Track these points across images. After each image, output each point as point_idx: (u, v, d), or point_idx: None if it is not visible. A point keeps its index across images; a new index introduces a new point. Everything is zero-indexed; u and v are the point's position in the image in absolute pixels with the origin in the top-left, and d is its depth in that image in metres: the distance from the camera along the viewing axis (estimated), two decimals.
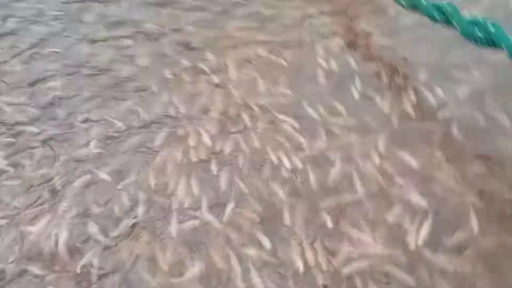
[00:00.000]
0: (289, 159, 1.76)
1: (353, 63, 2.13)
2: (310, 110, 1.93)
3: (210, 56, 2.22)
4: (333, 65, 2.13)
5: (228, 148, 1.81)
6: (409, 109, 1.91)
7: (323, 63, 2.13)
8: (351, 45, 2.24)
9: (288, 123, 1.89)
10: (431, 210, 1.56)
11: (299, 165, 1.74)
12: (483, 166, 1.67)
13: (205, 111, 1.97)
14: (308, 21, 2.40)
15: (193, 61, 2.19)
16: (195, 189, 1.68)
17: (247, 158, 1.78)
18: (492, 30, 1.65)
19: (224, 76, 2.12)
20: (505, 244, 1.46)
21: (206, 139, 1.85)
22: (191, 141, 1.84)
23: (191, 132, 1.88)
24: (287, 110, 1.94)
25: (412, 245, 1.48)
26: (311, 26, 2.38)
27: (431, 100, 1.93)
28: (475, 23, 1.74)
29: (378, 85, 2.04)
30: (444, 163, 1.70)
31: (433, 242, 1.49)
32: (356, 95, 1.99)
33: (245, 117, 1.92)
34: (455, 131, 1.80)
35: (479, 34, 1.71)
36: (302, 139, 1.82)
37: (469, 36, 1.77)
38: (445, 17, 1.89)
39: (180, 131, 1.88)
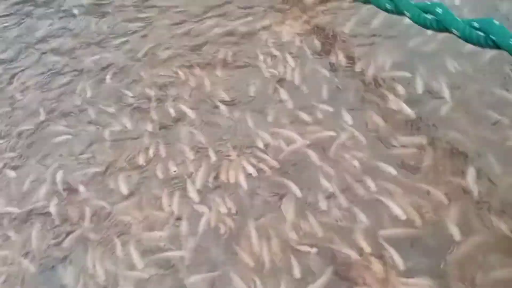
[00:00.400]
0: None
1: None
2: None
3: None
4: None
5: None
6: None
7: None
8: None
9: None
10: None
11: None
12: None
13: None
14: None
15: None
16: None
17: None
18: (440, 12, 1.63)
19: None
20: None
21: None
22: None
23: None
24: None
25: None
26: None
27: None
28: (424, 9, 1.73)
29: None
30: None
31: None
32: None
33: None
34: None
35: (430, 19, 1.70)
36: None
37: (420, 23, 1.75)
38: (396, 7, 1.87)
39: None
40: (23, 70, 2.61)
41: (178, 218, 1.73)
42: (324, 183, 1.70)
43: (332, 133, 1.85)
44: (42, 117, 2.29)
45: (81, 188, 1.92)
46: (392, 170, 1.67)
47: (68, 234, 1.79)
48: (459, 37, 1.57)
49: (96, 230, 1.78)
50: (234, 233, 1.64)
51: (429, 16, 1.70)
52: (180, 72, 2.31)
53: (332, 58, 2.16)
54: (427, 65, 1.98)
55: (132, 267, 1.64)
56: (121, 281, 1.61)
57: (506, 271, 1.36)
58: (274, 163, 1.81)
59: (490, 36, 1.45)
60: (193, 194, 1.78)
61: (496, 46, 1.44)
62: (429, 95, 1.88)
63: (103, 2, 2.90)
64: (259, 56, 2.26)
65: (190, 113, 2.09)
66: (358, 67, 2.09)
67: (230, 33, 2.45)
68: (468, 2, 2.17)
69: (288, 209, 1.65)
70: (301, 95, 2.04)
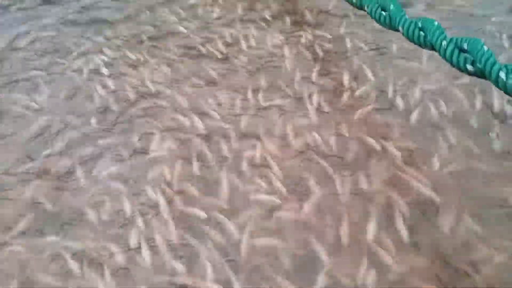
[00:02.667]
0: None
1: None
2: None
3: None
4: None
5: None
6: None
7: None
8: None
9: None
10: None
11: None
12: None
13: None
14: None
15: None
16: None
17: None
18: (392, 8, 1.69)
19: None
20: None
21: None
22: None
23: None
24: None
25: None
26: None
27: None
28: (381, 4, 1.78)
29: None
30: None
31: None
32: None
33: None
34: None
35: (384, 15, 1.76)
36: None
37: (376, 18, 1.81)
38: (357, 2, 1.93)
39: None
40: None
41: None
42: None
43: None
44: None
45: None
46: None
47: None
48: (403, 34, 1.63)
49: None
50: None
51: (383, 13, 1.76)
52: None
53: None
54: None
55: None
56: None
57: None
58: None
59: (428, 36, 1.51)
60: None
61: (432, 46, 1.50)
62: None
63: None
64: None
65: None
66: None
67: None
68: None
69: None
70: None
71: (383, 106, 2.00)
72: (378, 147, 1.80)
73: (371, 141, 1.83)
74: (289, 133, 1.89)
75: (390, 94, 2.05)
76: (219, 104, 2.06)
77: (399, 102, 2.00)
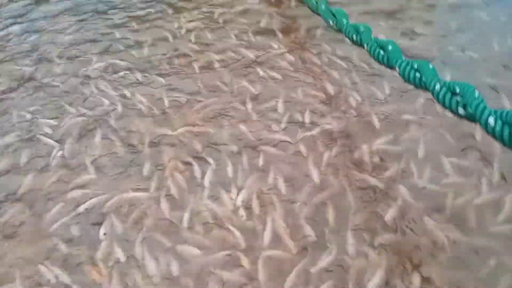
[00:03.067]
0: None
1: None
2: None
3: None
4: None
5: None
6: None
7: None
8: None
9: None
10: None
11: None
12: None
13: None
14: None
15: None
16: None
17: None
18: (389, 49, 1.74)
19: None
20: None
21: None
22: None
23: None
24: None
25: None
26: None
27: None
28: (380, 44, 1.83)
29: None
30: None
31: None
32: None
33: None
34: None
35: (382, 54, 1.81)
36: None
37: (374, 56, 1.86)
38: (360, 39, 1.98)
39: None
40: None
41: None
42: None
43: None
44: None
45: None
46: None
47: None
48: (399, 74, 1.67)
49: None
50: None
51: (382, 52, 1.81)
52: None
53: None
54: None
55: None
56: None
57: None
58: None
59: (423, 77, 1.55)
60: None
61: (426, 87, 1.54)
62: None
63: None
64: None
65: None
66: None
67: None
68: None
69: None
70: None
71: None
72: None
73: None
74: None
75: None
76: None
77: None
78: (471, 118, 1.33)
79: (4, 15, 3.50)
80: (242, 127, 2.21)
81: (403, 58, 1.69)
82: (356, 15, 2.81)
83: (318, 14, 2.42)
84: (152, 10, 3.32)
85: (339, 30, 2.18)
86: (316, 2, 2.44)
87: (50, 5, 3.55)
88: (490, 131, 1.25)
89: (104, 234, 1.80)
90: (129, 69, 2.71)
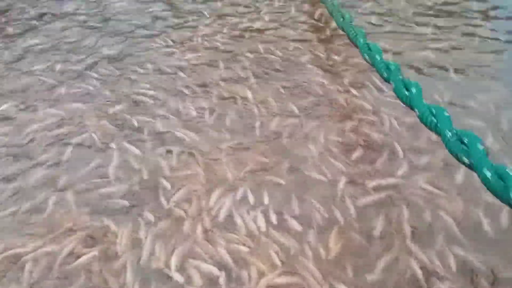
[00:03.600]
0: None
1: None
2: None
3: None
4: None
5: None
6: None
7: None
8: None
9: None
10: None
11: None
12: None
13: None
14: None
15: None
16: None
17: None
18: (413, 91, 1.89)
19: None
20: None
21: None
22: None
23: None
24: None
25: None
26: None
27: None
28: (406, 85, 1.98)
29: None
30: None
31: None
32: None
33: None
34: None
35: (406, 94, 1.95)
36: None
37: (399, 96, 2.01)
38: (389, 76, 2.13)
39: None
40: None
41: None
42: None
43: None
44: None
45: None
46: None
47: None
48: (417, 116, 1.82)
49: None
50: None
51: (407, 93, 1.96)
52: None
53: None
54: None
55: None
56: None
57: None
58: None
59: (438, 123, 1.69)
60: None
61: (438, 133, 1.68)
62: None
63: None
64: None
65: None
66: None
67: None
68: None
69: None
70: None
71: None
72: None
73: None
74: None
75: None
76: None
77: None
78: (471, 168, 1.48)
79: None
80: None
81: (423, 102, 1.84)
82: None
83: (356, 46, 2.58)
84: None
85: (372, 65, 2.34)
86: (356, 35, 2.60)
87: None
88: (485, 183, 1.39)
89: None
90: None
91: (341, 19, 2.84)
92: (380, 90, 2.71)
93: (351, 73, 2.89)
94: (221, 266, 1.80)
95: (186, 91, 2.79)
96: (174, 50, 3.21)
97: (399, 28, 3.35)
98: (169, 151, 2.36)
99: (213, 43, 3.26)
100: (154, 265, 1.81)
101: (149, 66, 3.04)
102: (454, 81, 2.80)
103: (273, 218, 1.97)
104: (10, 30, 3.51)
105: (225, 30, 3.42)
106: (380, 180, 2.14)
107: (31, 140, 2.45)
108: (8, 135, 2.50)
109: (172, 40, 3.33)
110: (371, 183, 2.13)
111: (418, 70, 2.89)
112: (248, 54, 3.10)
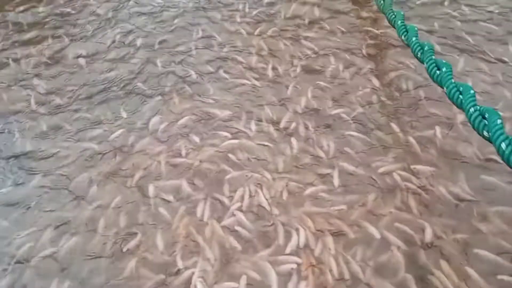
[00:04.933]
0: None
1: None
2: None
3: None
4: None
5: None
6: None
7: None
8: None
9: None
10: None
11: None
12: None
13: None
14: None
15: None
16: None
17: None
18: (443, 70, 1.95)
19: None
20: None
21: None
22: None
23: None
24: None
25: None
26: None
27: None
28: (438, 65, 2.04)
29: None
30: None
31: None
32: None
33: None
34: None
35: (437, 72, 2.02)
36: None
37: (430, 74, 2.07)
38: (421, 57, 2.19)
39: None
40: None
41: None
42: None
43: None
44: None
45: None
46: None
47: None
48: (445, 93, 1.89)
49: None
50: None
51: (437, 72, 2.02)
52: None
53: None
54: None
55: None
56: None
57: None
58: None
59: (463, 99, 1.76)
60: None
61: (463, 109, 1.75)
62: None
63: None
64: None
65: None
66: None
67: None
68: None
69: None
70: None
71: None
72: None
73: None
74: None
75: None
76: None
77: None
78: (490, 141, 1.54)
79: None
80: None
81: (452, 80, 1.90)
82: None
83: (394, 27, 2.63)
84: None
85: (408, 46, 2.40)
86: (395, 16, 2.64)
87: None
88: (501, 154, 1.46)
89: None
90: None
91: (382, 2, 2.88)
92: None
93: None
94: None
95: None
96: None
97: None
98: None
99: None
100: None
101: None
102: None
103: None
104: None
105: None
106: None
107: None
108: None
109: None
110: None
111: None
112: None
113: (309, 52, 3.03)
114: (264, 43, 3.14)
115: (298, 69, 2.89)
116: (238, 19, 3.41)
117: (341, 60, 2.94)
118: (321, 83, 2.77)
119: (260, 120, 2.57)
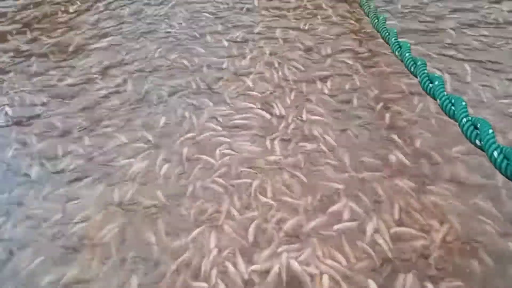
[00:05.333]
0: None
1: None
2: None
3: None
4: None
5: None
6: None
7: None
8: None
9: None
10: None
11: None
12: None
13: None
14: None
15: None
16: None
17: None
18: (435, 83, 2.00)
19: None
20: None
21: None
22: None
23: None
24: None
25: None
26: None
27: None
28: (430, 78, 2.09)
29: None
30: None
31: None
32: None
33: None
34: None
35: (430, 86, 2.06)
36: None
37: (423, 87, 2.12)
38: (415, 71, 2.25)
39: None
40: None
41: None
42: None
43: None
44: None
45: None
46: None
47: None
48: (439, 105, 1.93)
49: None
50: None
51: (430, 85, 2.07)
52: None
53: None
54: None
55: None
56: None
57: None
58: None
59: (455, 110, 1.80)
60: None
61: (456, 119, 1.79)
62: None
63: None
64: None
65: None
66: None
67: None
68: None
69: None
70: None
71: None
72: None
73: None
74: None
75: None
76: None
77: None
78: (482, 149, 1.58)
79: None
80: None
81: (445, 93, 1.95)
82: None
83: (388, 44, 2.71)
84: None
85: (401, 61, 2.46)
86: (389, 34, 2.72)
87: None
88: (493, 162, 1.50)
89: None
90: None
91: (376, 20, 2.97)
92: None
93: None
94: None
95: None
96: None
97: None
98: None
99: None
100: None
101: None
102: None
103: None
104: None
105: None
106: None
107: None
108: None
109: None
110: None
111: None
112: None
113: None
114: None
115: None
116: None
117: None
118: None
119: None
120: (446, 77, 2.70)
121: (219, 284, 1.74)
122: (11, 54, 3.30)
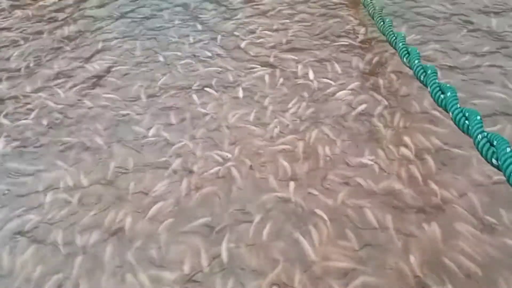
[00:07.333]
0: None
1: None
2: None
3: None
4: None
5: None
6: None
7: None
8: None
9: None
10: None
11: None
12: None
13: None
14: None
15: None
16: None
17: None
18: (448, 95, 1.95)
19: None
20: None
21: None
22: None
23: None
24: None
25: None
26: None
27: None
28: (442, 88, 2.04)
29: None
30: None
31: None
32: None
33: None
34: None
35: (441, 97, 2.02)
36: None
37: (434, 99, 2.07)
38: (424, 80, 2.20)
39: None
40: None
41: None
42: None
43: None
44: None
45: None
46: None
47: None
48: (451, 118, 1.89)
49: None
50: None
51: (442, 96, 2.02)
52: None
53: None
54: None
55: None
56: None
57: None
58: None
59: (469, 125, 1.76)
60: None
61: (470, 135, 1.76)
62: None
63: None
64: None
65: None
66: None
67: None
68: None
69: None
70: None
71: None
72: None
73: None
74: None
75: None
76: None
77: None
78: (499, 169, 1.54)
79: None
80: None
81: (458, 105, 1.91)
82: None
83: (395, 49, 2.65)
84: None
85: (410, 68, 2.41)
86: (395, 38, 2.66)
87: None
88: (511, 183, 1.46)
89: None
90: None
91: (381, 23, 2.90)
92: None
93: None
94: None
95: None
96: None
97: None
98: None
99: None
100: None
101: None
102: None
103: None
104: None
105: None
106: None
107: None
108: None
109: None
110: None
111: None
112: None
113: None
114: None
115: None
116: None
117: None
118: None
119: None
120: None
121: None
122: None
